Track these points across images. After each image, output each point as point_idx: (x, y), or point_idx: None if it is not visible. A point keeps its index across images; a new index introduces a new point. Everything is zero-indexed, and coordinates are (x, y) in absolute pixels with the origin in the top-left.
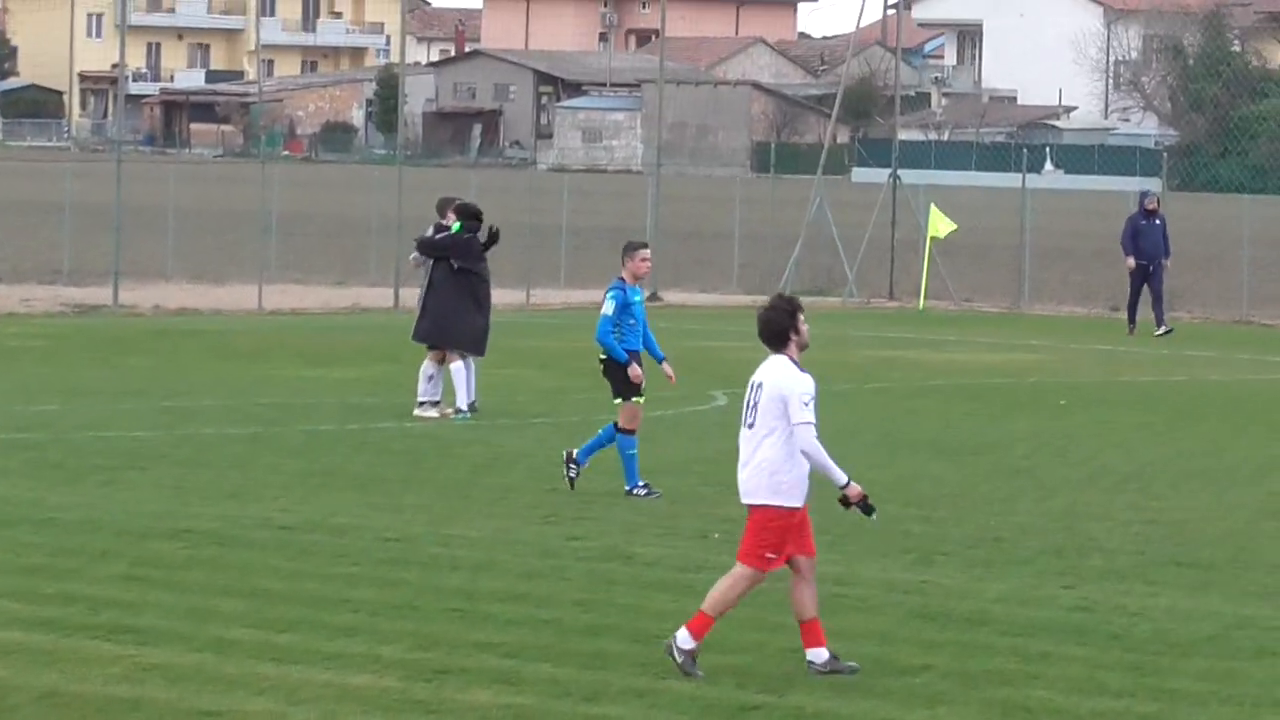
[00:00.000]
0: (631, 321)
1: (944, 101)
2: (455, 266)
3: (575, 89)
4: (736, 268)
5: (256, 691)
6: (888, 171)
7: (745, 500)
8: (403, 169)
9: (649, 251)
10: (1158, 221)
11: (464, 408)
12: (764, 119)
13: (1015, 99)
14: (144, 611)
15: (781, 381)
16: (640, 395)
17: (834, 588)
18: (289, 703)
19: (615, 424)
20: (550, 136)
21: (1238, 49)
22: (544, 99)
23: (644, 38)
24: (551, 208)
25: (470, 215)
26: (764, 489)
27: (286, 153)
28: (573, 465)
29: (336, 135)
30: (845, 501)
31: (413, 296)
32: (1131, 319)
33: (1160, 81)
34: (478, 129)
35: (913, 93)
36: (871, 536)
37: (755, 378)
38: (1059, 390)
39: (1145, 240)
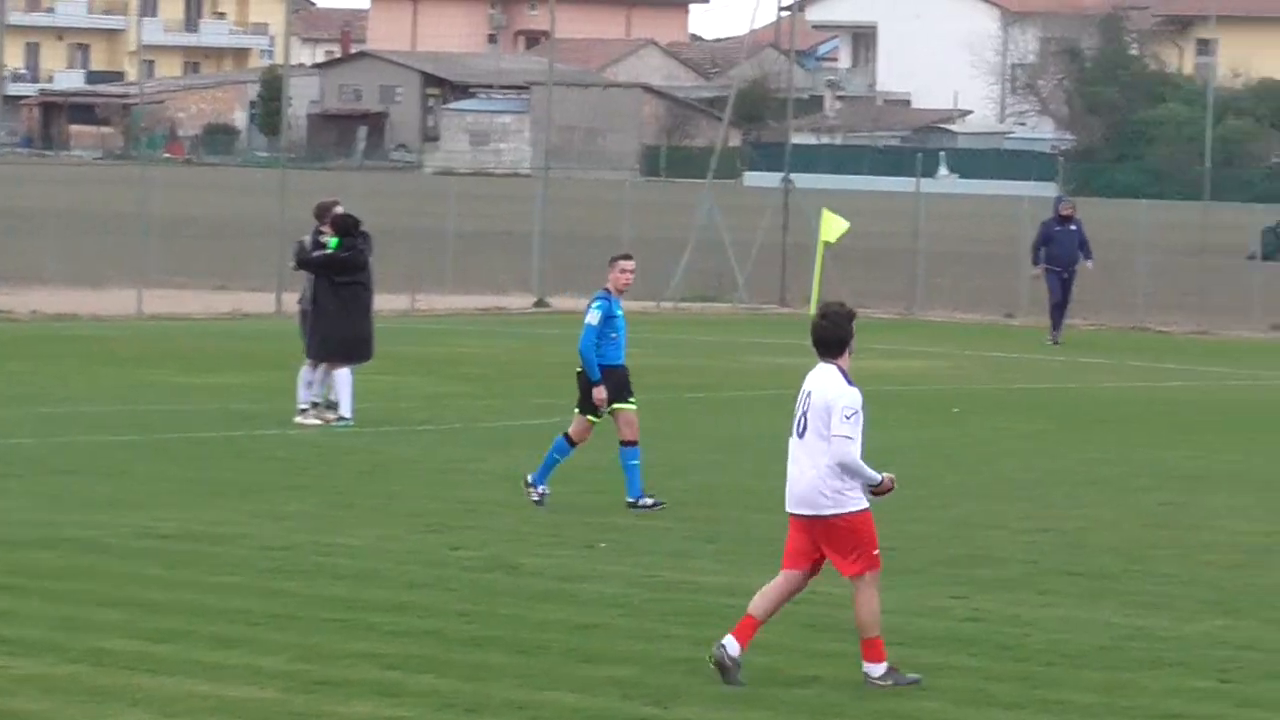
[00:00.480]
0: (613, 335)
1: (838, 105)
2: (336, 280)
3: (463, 91)
4: None
5: (132, 703)
6: (780, 175)
7: (807, 512)
8: (286, 172)
9: (631, 263)
10: (1073, 227)
11: (348, 415)
12: (655, 122)
13: (910, 102)
14: (17, 622)
15: (828, 392)
16: (598, 417)
17: (722, 598)
18: (166, 715)
19: (621, 440)
20: (437, 139)
21: (1135, 52)
22: (431, 101)
23: (533, 39)
24: (438, 211)
25: (347, 230)
26: (830, 502)
27: (167, 155)
28: (645, 500)
29: (219, 137)
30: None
31: (294, 301)
32: (1055, 327)
33: (1057, 85)
34: (363, 131)
35: (806, 95)
36: (760, 546)
37: (805, 386)
38: (952, 398)
39: (1059, 247)
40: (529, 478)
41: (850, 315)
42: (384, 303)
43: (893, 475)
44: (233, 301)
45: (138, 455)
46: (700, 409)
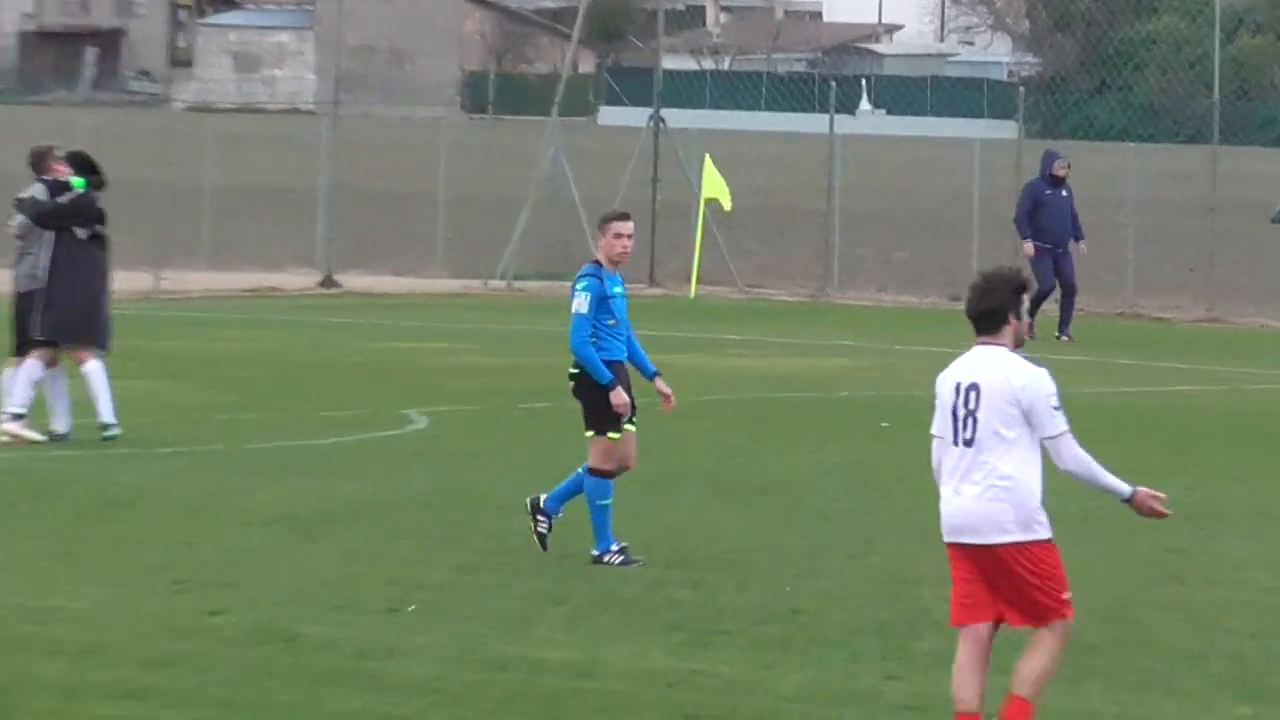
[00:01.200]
0: (610, 321)
1: (724, 18)
2: (83, 236)
3: (224, 2)
4: (441, 241)
5: None
6: (647, 112)
7: (985, 541)
8: None
9: (629, 224)
10: (1065, 193)
11: (111, 420)
12: (480, 41)
13: (820, 15)
14: None
15: (1014, 380)
16: (618, 430)
17: (575, 680)
18: None
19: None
20: (190, 64)
21: None
22: (181, 15)
23: None
24: (191, 159)
25: (92, 167)
26: (1016, 523)
27: None
28: (541, 518)
29: None
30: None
31: (6, 280)
32: (1031, 316)
33: None
34: (92, 54)
35: (682, 6)
36: (624, 608)
37: (960, 378)
38: (879, 408)
39: (1050, 216)
40: (593, 553)
41: (1018, 286)
42: (118, 281)
43: (1153, 494)
44: None
45: None
46: (541, 423)
